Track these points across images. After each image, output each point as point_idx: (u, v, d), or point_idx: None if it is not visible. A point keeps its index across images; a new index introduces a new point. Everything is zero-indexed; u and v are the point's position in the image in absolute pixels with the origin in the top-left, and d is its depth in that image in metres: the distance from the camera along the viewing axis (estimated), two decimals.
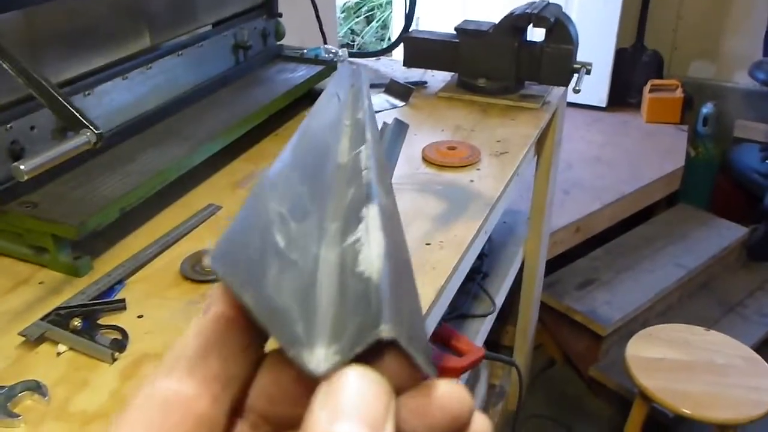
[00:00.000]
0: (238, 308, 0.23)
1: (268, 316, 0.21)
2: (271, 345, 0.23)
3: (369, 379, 0.21)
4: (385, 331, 0.20)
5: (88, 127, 0.73)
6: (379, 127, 1.35)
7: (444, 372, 1.26)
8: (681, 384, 1.39)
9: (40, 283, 0.90)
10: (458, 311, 1.48)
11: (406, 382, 0.22)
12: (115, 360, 0.76)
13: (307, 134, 0.35)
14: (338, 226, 0.27)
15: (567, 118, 1.84)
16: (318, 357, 0.21)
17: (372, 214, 0.26)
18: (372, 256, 0.24)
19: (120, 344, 0.78)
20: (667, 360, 1.46)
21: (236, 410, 0.24)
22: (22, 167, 0.67)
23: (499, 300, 1.57)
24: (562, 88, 1.57)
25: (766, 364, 1.44)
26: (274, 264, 0.23)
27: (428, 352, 0.22)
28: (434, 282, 0.89)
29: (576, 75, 1.44)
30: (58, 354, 0.77)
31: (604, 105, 3.11)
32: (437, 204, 1.09)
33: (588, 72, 1.44)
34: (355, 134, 0.36)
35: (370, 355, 0.21)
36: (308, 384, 0.22)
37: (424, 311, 0.83)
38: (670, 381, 1.39)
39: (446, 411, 0.22)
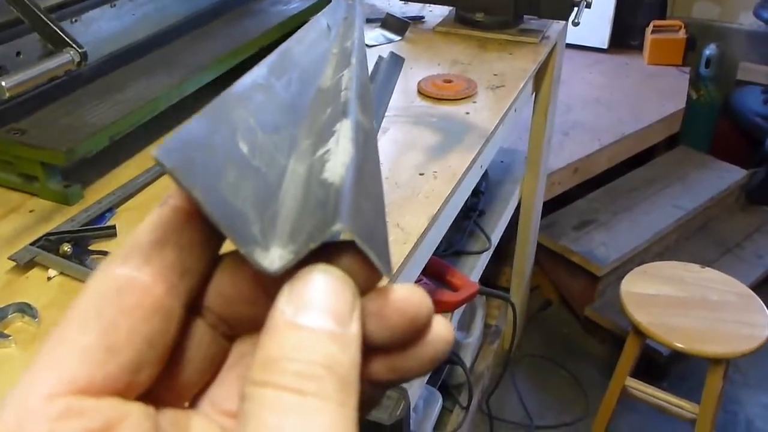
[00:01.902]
0: None
1: (221, 215, 0.20)
2: (228, 246, 0.23)
3: (333, 276, 0.21)
4: (340, 228, 0.19)
5: (71, 46, 0.71)
6: (375, 61, 1.32)
7: (438, 306, 1.27)
8: (675, 319, 1.39)
9: (30, 211, 0.90)
10: (454, 248, 1.48)
11: (365, 282, 0.21)
12: None
13: (288, 55, 0.33)
14: (311, 142, 0.27)
15: (567, 60, 1.81)
16: (272, 255, 0.21)
17: (345, 127, 0.26)
18: (337, 165, 0.23)
19: None
20: (662, 296, 1.46)
21: (195, 309, 0.24)
22: (2, 83, 0.66)
23: (495, 237, 1.57)
24: (562, 23, 1.53)
25: (759, 300, 1.45)
26: (233, 169, 0.22)
27: (386, 252, 0.21)
28: (427, 210, 0.88)
29: (576, 8, 1.41)
30: (49, 279, 0.77)
31: (605, 47, 3.06)
32: (432, 135, 1.08)
33: (588, 5, 1.41)
34: (340, 61, 0.35)
35: (330, 255, 0.21)
36: (265, 284, 0.22)
37: (415, 239, 0.82)
38: (664, 316, 1.40)
39: (404, 313, 0.22)
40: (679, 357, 2.05)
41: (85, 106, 0.96)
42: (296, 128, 0.28)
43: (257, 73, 0.29)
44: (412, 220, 0.86)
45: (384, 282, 0.22)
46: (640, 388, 1.55)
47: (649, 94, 2.73)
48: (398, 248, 0.81)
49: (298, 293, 0.20)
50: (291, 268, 0.21)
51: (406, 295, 0.22)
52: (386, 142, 1.06)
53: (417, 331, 0.22)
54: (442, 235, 1.04)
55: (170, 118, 1.10)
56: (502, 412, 1.99)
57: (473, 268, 1.45)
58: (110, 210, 0.89)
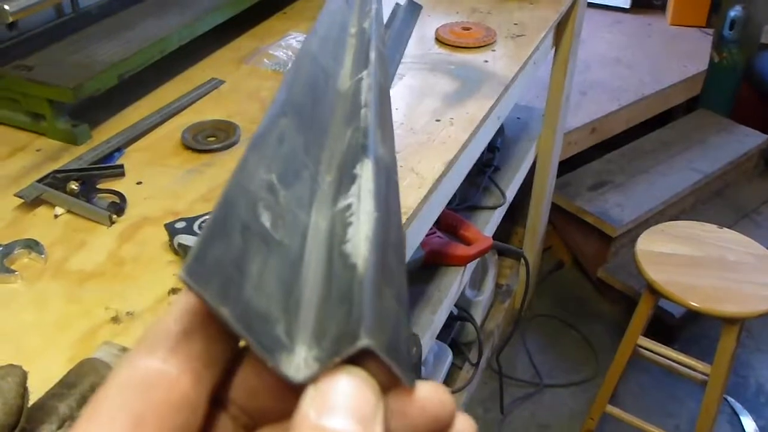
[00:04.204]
0: None
1: (246, 326, 0.20)
2: None
3: (358, 378, 0.21)
4: (364, 343, 0.20)
5: None
6: (392, 8, 1.28)
7: (451, 259, 1.25)
8: (690, 278, 1.37)
9: (37, 150, 0.88)
10: (468, 202, 1.46)
11: (387, 383, 0.21)
12: (113, 223, 0.75)
13: (305, 60, 0.33)
14: (331, 180, 0.28)
15: (588, 20, 1.76)
16: (298, 361, 0.21)
17: (366, 174, 0.26)
18: (360, 237, 0.23)
19: (118, 207, 0.76)
20: (677, 255, 1.43)
21: (218, 402, 0.24)
22: (6, 6, 0.63)
23: (510, 193, 1.54)
24: None
25: None
26: (258, 255, 0.22)
27: (408, 357, 0.22)
28: (443, 156, 0.86)
29: None
30: (56, 216, 0.76)
31: (627, 6, 2.99)
32: (449, 83, 1.05)
33: None
34: (359, 50, 0.35)
35: (353, 357, 0.21)
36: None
37: (431, 184, 0.80)
38: (679, 275, 1.38)
39: (427, 412, 0.22)
40: (689, 320, 2.04)
41: (93, 44, 0.94)
42: (317, 160, 0.29)
43: (277, 101, 0.29)
44: (428, 165, 0.83)
45: None
46: (652, 347, 1.53)
47: (671, 56, 2.67)
48: (413, 193, 0.78)
49: (323, 396, 0.20)
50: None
51: (429, 395, 0.22)
52: (402, 88, 1.03)
53: (439, 429, 0.23)
54: (457, 186, 1.02)
55: (183, 60, 1.08)
56: (512, 370, 1.99)
57: (487, 223, 1.43)
58: (119, 150, 0.87)
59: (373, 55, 0.34)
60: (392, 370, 0.21)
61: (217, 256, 0.21)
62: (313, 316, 0.23)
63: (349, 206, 0.25)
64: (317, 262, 0.24)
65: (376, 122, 0.29)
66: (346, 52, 0.36)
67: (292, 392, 0.21)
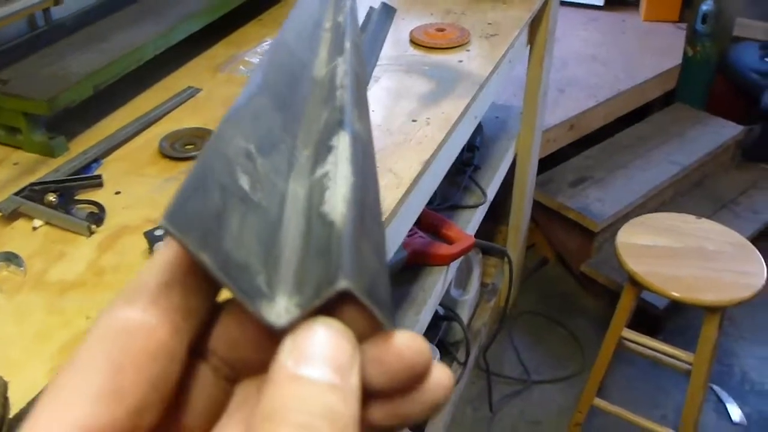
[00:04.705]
0: None
1: (227, 273, 0.20)
2: None
3: (335, 329, 0.21)
4: (344, 285, 0.20)
5: None
6: (366, 12, 1.29)
7: (434, 259, 1.26)
8: (671, 269, 1.38)
9: (14, 163, 0.88)
10: (449, 202, 1.47)
11: (366, 331, 0.22)
12: (92, 233, 0.74)
13: (281, 50, 0.34)
14: (309, 155, 0.28)
15: (563, 18, 1.78)
16: (278, 309, 0.21)
17: (342, 144, 0.26)
18: (337, 198, 0.24)
19: (97, 217, 0.76)
20: (658, 247, 1.45)
21: (198, 352, 0.24)
22: None
23: (491, 192, 1.55)
24: None
25: (755, 250, 1.44)
26: (236, 212, 0.23)
27: (388, 302, 0.22)
28: (420, 156, 0.86)
29: None
30: (34, 228, 0.76)
31: (601, 3, 3.02)
32: (424, 84, 1.06)
33: None
34: (334, 41, 0.36)
35: (331, 303, 0.21)
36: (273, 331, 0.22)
37: (408, 183, 0.81)
38: (660, 266, 1.39)
39: (404, 360, 0.22)
40: (674, 311, 2.06)
41: (68, 56, 0.94)
42: (294, 136, 0.29)
43: (252, 82, 0.29)
44: (405, 165, 0.84)
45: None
46: (636, 339, 1.55)
47: (645, 51, 2.70)
48: (391, 193, 0.79)
49: (300, 345, 0.21)
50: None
51: (406, 342, 0.22)
52: (378, 90, 1.04)
53: (416, 377, 0.23)
54: (437, 185, 1.03)
55: (159, 69, 1.08)
56: (500, 368, 2.00)
57: (469, 222, 1.43)
58: (96, 161, 0.87)
59: (348, 44, 0.34)
60: (371, 312, 0.21)
61: (196, 208, 0.21)
62: (293, 270, 0.23)
63: (326, 173, 0.26)
64: (296, 225, 0.24)
65: (352, 101, 0.29)
66: (321, 44, 0.36)
67: (272, 343, 0.21)
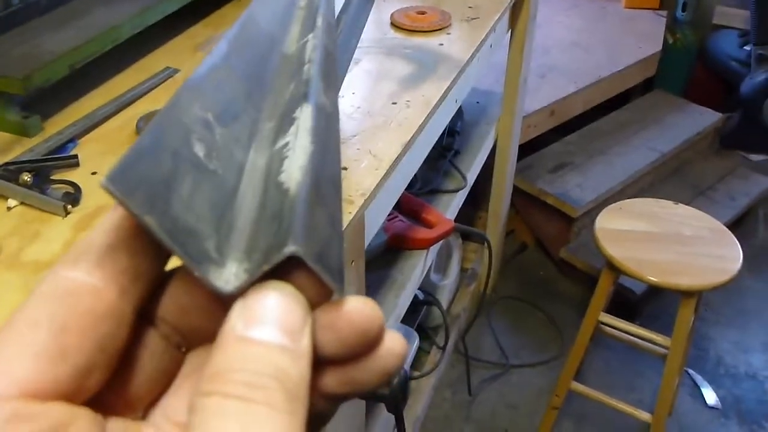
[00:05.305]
0: None
1: (173, 237, 0.20)
2: None
3: (286, 293, 0.21)
4: (292, 249, 0.20)
5: None
6: None
7: (414, 243, 1.26)
8: (648, 254, 1.40)
9: None
10: (429, 186, 1.47)
11: (318, 296, 0.22)
12: (68, 213, 0.74)
13: (250, 23, 0.33)
14: (272, 126, 0.28)
15: (544, 4, 1.78)
16: (227, 275, 0.21)
17: (305, 115, 0.26)
18: (294, 166, 0.24)
19: (73, 198, 0.75)
20: (635, 231, 1.46)
21: (148, 319, 0.24)
22: None
23: (471, 177, 1.56)
24: None
25: (731, 235, 1.46)
26: (188, 178, 0.22)
27: (340, 270, 0.22)
28: (400, 138, 0.86)
29: None
30: (9, 209, 0.75)
31: None
32: (405, 66, 1.06)
33: None
34: (306, 19, 0.35)
35: (284, 270, 0.21)
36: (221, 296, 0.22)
37: (388, 165, 0.81)
38: (637, 251, 1.41)
39: (355, 325, 0.22)
40: (651, 296, 2.08)
41: (43, 35, 0.92)
42: (258, 108, 0.28)
43: (217, 53, 0.29)
44: (385, 148, 0.84)
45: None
46: (613, 323, 1.56)
47: (626, 38, 2.71)
48: (371, 174, 0.79)
49: (250, 309, 0.20)
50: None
51: (358, 307, 0.22)
52: (359, 72, 1.04)
53: (368, 344, 0.23)
54: (416, 168, 1.03)
55: (137, 49, 1.06)
56: (479, 352, 2.01)
57: (449, 207, 1.44)
58: (72, 140, 0.86)
59: (320, 21, 0.34)
60: (320, 277, 0.21)
61: (143, 171, 0.21)
62: (245, 236, 0.22)
63: (286, 144, 0.25)
64: (254, 194, 0.24)
65: (319, 75, 0.29)
66: (294, 21, 0.36)
67: (223, 311, 0.21)
